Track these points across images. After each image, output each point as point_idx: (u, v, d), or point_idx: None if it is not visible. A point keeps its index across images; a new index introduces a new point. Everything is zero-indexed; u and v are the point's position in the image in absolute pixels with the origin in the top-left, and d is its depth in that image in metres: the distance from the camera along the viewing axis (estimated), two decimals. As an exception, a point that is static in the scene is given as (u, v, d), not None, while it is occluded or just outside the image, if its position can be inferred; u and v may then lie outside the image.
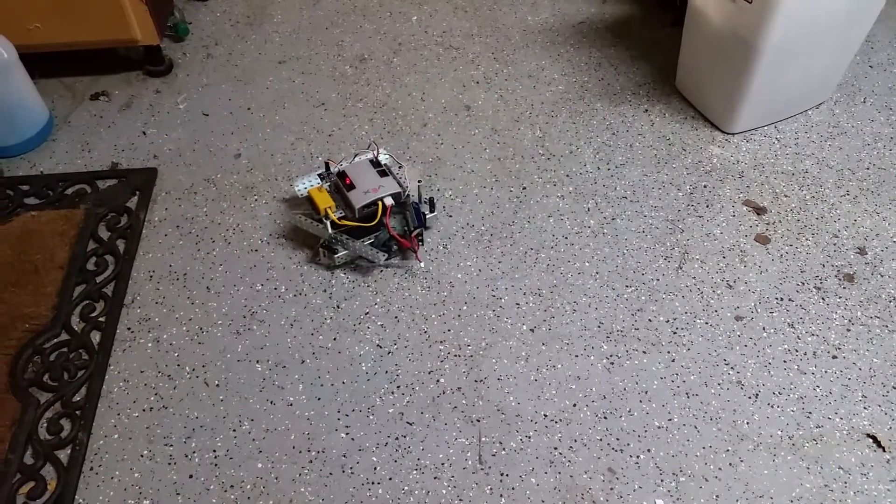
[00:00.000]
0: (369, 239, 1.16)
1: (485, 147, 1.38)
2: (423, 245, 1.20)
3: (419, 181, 1.23)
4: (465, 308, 1.12)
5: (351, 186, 1.17)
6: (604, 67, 1.52)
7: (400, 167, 1.25)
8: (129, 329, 1.12)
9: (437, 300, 1.13)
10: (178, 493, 0.94)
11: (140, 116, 1.47)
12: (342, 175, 1.20)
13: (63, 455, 0.98)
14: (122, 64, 1.58)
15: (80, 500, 0.94)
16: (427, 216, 1.21)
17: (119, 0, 1.38)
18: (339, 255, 1.15)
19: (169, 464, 0.97)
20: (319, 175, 1.24)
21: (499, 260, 1.19)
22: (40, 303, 1.15)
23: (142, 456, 0.98)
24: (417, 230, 1.17)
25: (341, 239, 1.15)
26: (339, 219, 1.15)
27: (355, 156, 1.26)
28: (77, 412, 1.02)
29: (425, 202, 1.22)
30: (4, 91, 1.32)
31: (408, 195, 1.19)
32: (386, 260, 1.15)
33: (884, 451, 0.95)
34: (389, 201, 1.15)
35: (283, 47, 1.61)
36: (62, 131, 1.45)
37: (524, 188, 1.30)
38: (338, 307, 1.14)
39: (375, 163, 1.21)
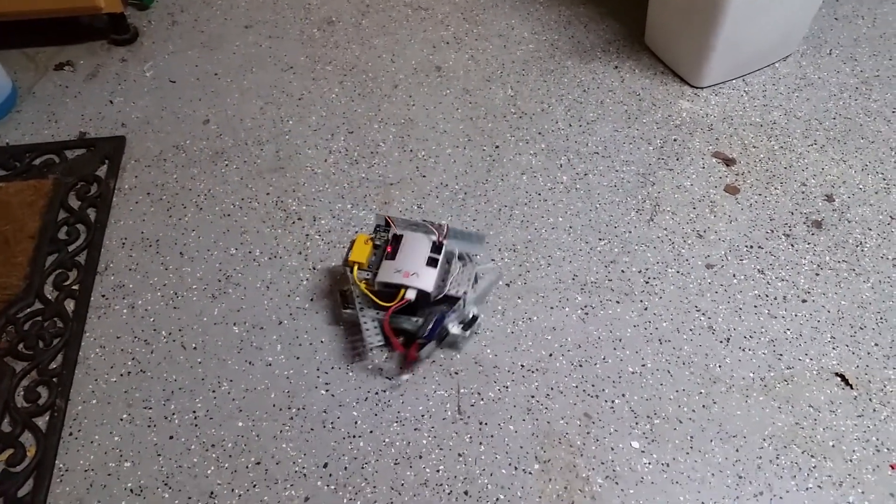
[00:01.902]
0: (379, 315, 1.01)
1: (456, 107, 1.38)
2: (421, 360, 1.02)
3: (473, 286, 1.03)
4: (440, 265, 1.13)
5: (391, 256, 1.01)
6: (574, 25, 1.52)
7: (464, 262, 1.03)
8: (103, 296, 1.11)
9: (412, 258, 1.14)
10: (159, 455, 0.94)
11: (106, 86, 1.45)
12: (395, 240, 1.03)
13: (41, 422, 0.98)
14: (85, 33, 1.55)
15: (61, 465, 0.94)
16: (452, 334, 1.00)
17: (79, -34, 1.36)
18: (346, 311, 1.04)
19: (149, 426, 0.97)
20: (378, 226, 1.06)
21: (473, 218, 1.19)
22: (11, 273, 1.13)
23: (121, 420, 0.98)
24: (423, 340, 0.97)
25: (355, 298, 1.02)
26: (360, 279, 1.00)
27: (436, 224, 1.07)
28: (54, 379, 1.02)
29: (458, 314, 1.00)
30: (-36, 61, 1.30)
31: (439, 297, 0.99)
32: (373, 348, 1.00)
33: (851, 388, 0.98)
34: (411, 295, 0.97)
35: (250, 12, 1.59)
36: (27, 102, 1.42)
37: (497, 147, 1.30)
38: (314, 269, 1.14)
39: (436, 246, 1.02)
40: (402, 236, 1.03)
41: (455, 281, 1.01)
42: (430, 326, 0.96)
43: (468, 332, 1.00)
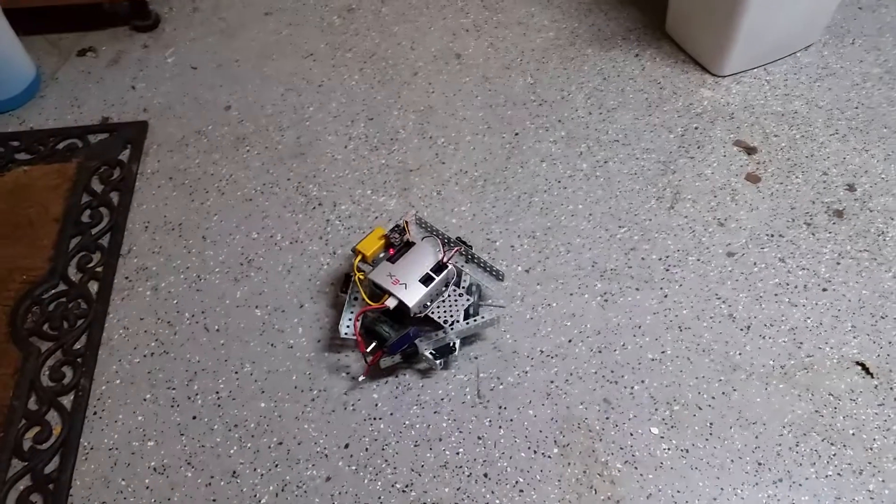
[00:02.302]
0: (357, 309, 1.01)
1: (476, 95, 1.38)
2: (380, 368, 0.98)
3: (467, 319, 0.99)
4: (460, 251, 1.13)
5: (392, 259, 1.01)
6: (594, 13, 1.51)
7: (462, 292, 1.00)
8: (126, 278, 1.12)
9: (432, 244, 1.14)
10: (182, 434, 0.95)
11: (128, 71, 1.46)
12: (400, 246, 1.03)
13: (66, 401, 0.99)
14: (108, 20, 1.56)
15: (86, 443, 0.95)
16: (423, 356, 0.97)
17: (103, -48, 1.37)
18: (341, 294, 1.05)
19: (172, 406, 0.98)
20: (396, 226, 1.05)
21: (493, 205, 1.20)
22: (36, 255, 1.15)
23: (145, 399, 0.99)
24: (385, 350, 0.94)
25: (350, 286, 1.03)
26: (359, 269, 1.01)
27: (456, 241, 1.09)
28: (78, 360, 1.03)
29: (435, 340, 0.96)
30: (-10, 46, 1.31)
31: (417, 316, 0.97)
32: (342, 337, 0.99)
33: (872, 377, 0.98)
34: (391, 303, 0.96)
35: (270, -1, 1.59)
36: (50, 88, 1.43)
37: (516, 134, 1.30)
38: (334, 253, 1.14)
39: (439, 266, 1.00)
40: (413, 244, 1.03)
41: (443, 306, 0.98)
42: (395, 340, 0.93)
43: (439, 362, 0.97)
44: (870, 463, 0.90)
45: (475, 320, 0.99)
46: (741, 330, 1.03)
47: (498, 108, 1.35)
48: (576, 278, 1.10)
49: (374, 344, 0.95)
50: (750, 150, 1.24)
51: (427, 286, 0.97)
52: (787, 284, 1.07)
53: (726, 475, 0.90)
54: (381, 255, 1.04)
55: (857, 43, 1.42)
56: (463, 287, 1.02)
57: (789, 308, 1.05)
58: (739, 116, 1.30)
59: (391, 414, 0.96)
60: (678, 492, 0.88)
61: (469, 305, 0.99)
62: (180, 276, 1.12)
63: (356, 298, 1.02)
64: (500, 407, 0.96)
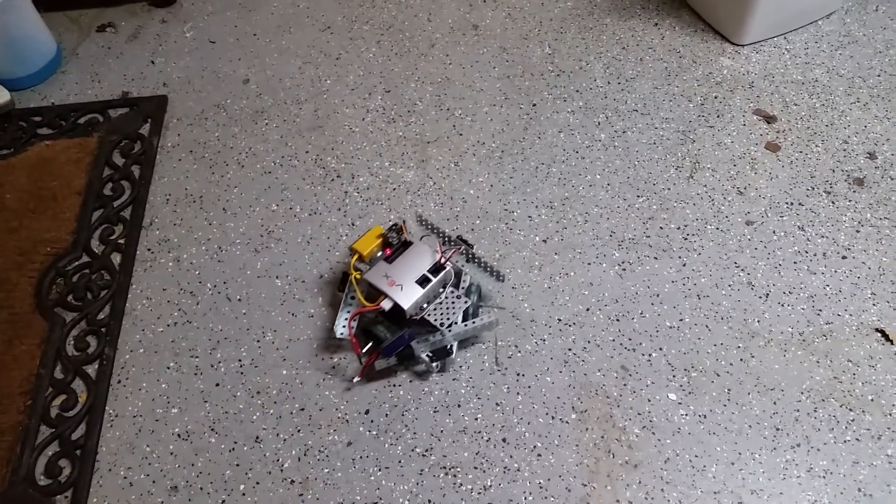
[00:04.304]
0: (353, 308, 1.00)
1: (493, 66, 1.37)
2: (375, 369, 0.98)
3: (465, 321, 0.96)
4: (478, 222, 1.14)
5: (388, 259, 0.98)
6: (611, -17, 1.50)
7: (460, 294, 0.97)
8: (149, 250, 1.14)
9: (450, 215, 1.15)
10: (205, 401, 0.97)
11: (147, 46, 1.47)
12: (398, 245, 1.00)
13: (91, 370, 1.01)
14: (126, -5, 1.57)
15: (111, 411, 0.97)
16: (418, 358, 0.95)
17: (120, -73, 1.37)
18: (339, 292, 1.04)
19: (195, 374, 1.00)
20: (394, 225, 1.02)
21: (510, 175, 1.20)
22: (60, 227, 1.17)
23: (168, 368, 1.01)
24: (381, 352, 0.93)
25: (349, 286, 1.01)
26: (355, 268, 0.98)
27: (456, 240, 1.08)
28: (102, 329, 1.05)
29: (431, 343, 0.94)
30: (12, 23, 1.32)
31: (413, 318, 0.94)
32: (337, 336, 0.97)
33: (892, 343, 0.97)
34: (386, 304, 0.93)
35: (287, -27, 1.59)
36: (71, 63, 1.45)
37: (534, 105, 1.30)
38: (352, 225, 1.15)
39: (436, 267, 0.97)
40: (410, 244, 1.01)
41: (440, 308, 0.96)
42: (390, 342, 0.91)
43: (435, 364, 0.96)
44: (889, 428, 0.90)
45: (473, 322, 0.96)
46: (760, 297, 1.03)
47: (515, 79, 1.34)
48: (593, 248, 1.10)
49: (369, 345, 0.93)
50: (770, 119, 1.23)
51: (424, 288, 0.94)
52: (807, 252, 1.07)
53: (744, 440, 0.90)
54: (378, 254, 1.01)
55: (881, 10, 1.40)
56: (462, 288, 1.00)
57: (808, 276, 1.05)
58: (759, 85, 1.29)
59: (410, 381, 0.97)
60: (696, 456, 0.89)
61: (468, 307, 0.96)
62: (202, 248, 1.13)
63: (353, 298, 1.01)
64: (518, 374, 0.97)
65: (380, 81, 1.36)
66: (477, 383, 0.97)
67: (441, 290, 0.98)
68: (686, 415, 0.93)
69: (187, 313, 1.06)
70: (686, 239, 1.10)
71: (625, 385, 0.96)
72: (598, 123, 1.25)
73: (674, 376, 0.96)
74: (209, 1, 1.55)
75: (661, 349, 0.99)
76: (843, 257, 1.06)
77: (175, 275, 1.10)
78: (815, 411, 0.92)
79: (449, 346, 0.95)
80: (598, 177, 1.18)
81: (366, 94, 1.34)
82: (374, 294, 0.95)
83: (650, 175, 1.18)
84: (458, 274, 1.02)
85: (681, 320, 1.01)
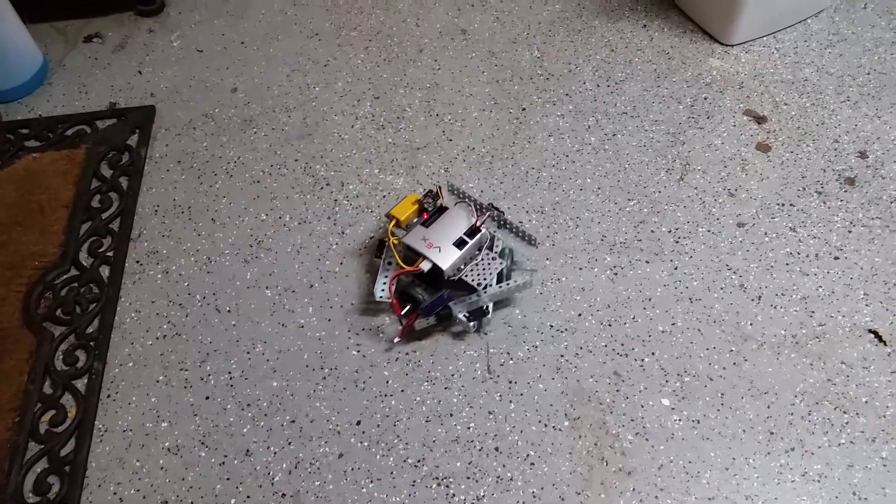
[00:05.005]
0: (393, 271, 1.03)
1: (482, 70, 1.37)
2: (415, 330, 1.00)
3: (500, 283, 1.00)
4: (468, 228, 1.13)
5: (426, 224, 1.03)
6: (600, -15, 1.50)
7: (496, 256, 1.02)
8: (137, 262, 1.13)
9: (440, 221, 1.14)
10: (195, 414, 0.96)
11: (135, 56, 1.46)
12: (434, 211, 1.05)
13: (80, 384, 1.00)
14: (113, 5, 1.56)
15: (101, 426, 0.97)
16: (456, 319, 0.99)
17: (105, -64, 1.36)
18: (375, 259, 1.06)
19: (185, 387, 0.99)
20: (429, 191, 1.08)
21: (500, 181, 1.19)
22: (48, 241, 1.16)
23: (157, 381, 1.00)
24: (420, 313, 0.97)
25: (387, 251, 1.05)
26: (392, 234, 1.03)
27: (488, 206, 1.09)
28: (91, 343, 1.04)
29: (468, 303, 0.98)
30: (-3, 33, 1.32)
31: (451, 279, 0.99)
32: (378, 299, 1.00)
33: (885, 344, 0.97)
34: (425, 266, 0.98)
35: (274, -20, 1.59)
36: (57, 75, 1.44)
37: (524, 109, 1.29)
38: (343, 233, 1.14)
39: (473, 230, 1.02)
40: (446, 209, 1.05)
41: (476, 269, 1.00)
42: (429, 302, 0.95)
43: (472, 323, 0.98)
44: (883, 430, 0.90)
45: (507, 284, 1.00)
46: (752, 300, 1.02)
47: (505, 83, 1.34)
48: (585, 252, 1.09)
49: (408, 307, 0.97)
50: (760, 120, 1.23)
51: (461, 250, 0.99)
52: (799, 254, 1.07)
53: (738, 445, 0.90)
54: (415, 220, 1.06)
55: (870, 7, 1.40)
56: (496, 251, 1.04)
57: (801, 277, 1.04)
58: (749, 85, 1.28)
59: (402, 391, 0.96)
60: (690, 462, 0.88)
61: (502, 269, 1.01)
62: (190, 259, 1.12)
63: (390, 263, 1.04)
64: (511, 382, 0.97)
65: (368, 88, 1.36)
66: (469, 392, 0.96)
67: (477, 252, 1.02)
68: (679, 420, 0.92)
69: (176, 326, 1.05)
70: (677, 242, 1.09)
71: (618, 391, 0.95)
72: (588, 127, 1.25)
73: (667, 381, 0.95)
74: (196, 10, 1.54)
75: (653, 354, 0.98)
76: (836, 258, 1.06)
77: (164, 287, 1.10)
78: (810, 414, 0.92)
79: (485, 307, 0.99)
80: (589, 181, 1.18)
81: (354, 101, 1.34)
82: (412, 258, 1.00)
83: (640, 178, 1.17)
84: (492, 238, 1.06)
85: (673, 324, 1.01)
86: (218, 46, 1.46)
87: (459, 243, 1.00)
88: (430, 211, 1.06)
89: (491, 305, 1.00)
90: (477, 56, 1.39)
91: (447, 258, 0.98)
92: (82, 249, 1.15)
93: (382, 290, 1.01)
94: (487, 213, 1.07)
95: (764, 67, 1.31)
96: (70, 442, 0.95)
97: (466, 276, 0.99)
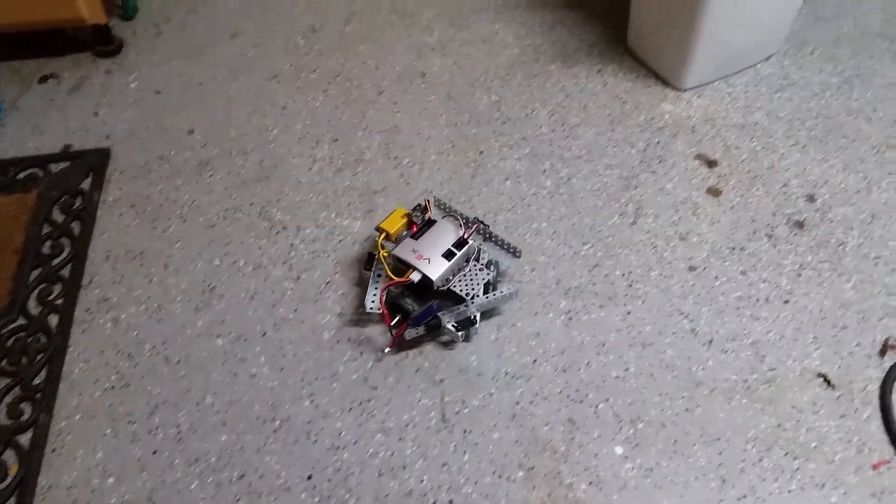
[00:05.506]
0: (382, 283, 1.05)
1: (441, 113, 1.38)
2: (405, 340, 1.02)
3: (486, 293, 1.04)
4: (424, 273, 1.13)
5: (415, 236, 1.06)
6: (557, 30, 1.52)
7: (482, 266, 1.06)
8: (87, 310, 1.11)
9: (396, 266, 1.14)
10: (142, 470, 0.94)
11: (91, 97, 1.45)
12: (427, 223, 1.09)
13: (24, 439, 0.98)
14: (70, 45, 1.55)
15: (44, 482, 0.94)
16: (445, 328, 1.00)
17: (61, -22, 1.35)
18: (365, 272, 1.09)
19: (132, 441, 0.97)
20: (418, 205, 1.14)
21: (457, 224, 1.19)
22: (-4, 288, 1.13)
23: (105, 434, 0.98)
24: (410, 323, 0.99)
25: (376, 263, 1.07)
26: (382, 246, 1.07)
27: (474, 220, 1.14)
28: (37, 395, 1.02)
29: (457, 313, 1.00)
30: (-53, 76, 1.30)
31: (440, 289, 1.03)
32: (368, 311, 1.03)
33: (833, 388, 0.98)
34: (415, 277, 1.01)
35: (234, 21, 1.59)
36: (11, 116, 1.42)
37: (481, 152, 1.30)
38: (298, 278, 1.14)
39: (460, 241, 1.06)
40: (434, 222, 1.09)
41: (464, 280, 1.04)
42: (419, 313, 0.98)
43: (461, 333, 1.01)
44: (832, 476, 0.91)
45: (494, 294, 1.03)
46: (703, 345, 1.03)
47: (463, 127, 1.35)
48: (540, 297, 1.10)
49: (398, 317, 1.01)
50: (711, 164, 1.25)
51: (449, 261, 1.03)
52: (749, 297, 1.08)
53: (691, 493, 0.90)
54: (404, 232, 1.10)
55: (816, 52, 1.44)
56: (482, 262, 1.08)
57: (751, 321, 1.05)
58: (700, 130, 1.31)
59: (355, 442, 0.95)
60: (642, 512, 0.88)
61: (488, 280, 1.05)
62: (141, 307, 1.11)
63: (380, 275, 1.07)
64: (465, 431, 0.96)
65: (327, 130, 1.36)
66: (423, 442, 0.95)
67: (464, 263, 1.06)
68: (633, 468, 0.92)
69: (125, 376, 1.03)
70: (630, 286, 1.10)
71: (572, 439, 0.95)
72: (544, 171, 1.26)
73: (620, 428, 0.96)
74: (155, 50, 1.54)
75: (607, 400, 0.98)
76: (786, 301, 1.07)
77: (114, 336, 1.08)
78: (761, 461, 0.92)
79: (473, 317, 1.01)
80: (545, 224, 1.19)
81: (313, 143, 1.34)
82: (401, 269, 1.04)
83: (595, 222, 1.18)
84: (478, 249, 1.10)
85: (626, 370, 1.01)
86: (176, 88, 1.46)
87: (448, 255, 1.04)
88: (419, 224, 1.10)
89: (478, 315, 1.03)
90: (436, 99, 1.40)
91: (437, 269, 1.02)
92: (31, 297, 1.13)
93: (373, 301, 1.03)
94: (474, 226, 1.11)
95: (715, 111, 1.34)
96: (10, 501, 0.92)
97: (455, 286, 1.03)
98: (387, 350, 1.03)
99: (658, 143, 1.29)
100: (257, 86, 1.45)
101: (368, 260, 1.09)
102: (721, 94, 1.37)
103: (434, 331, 1.02)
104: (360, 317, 1.08)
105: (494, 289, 1.06)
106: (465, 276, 1.05)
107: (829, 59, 1.42)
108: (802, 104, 1.35)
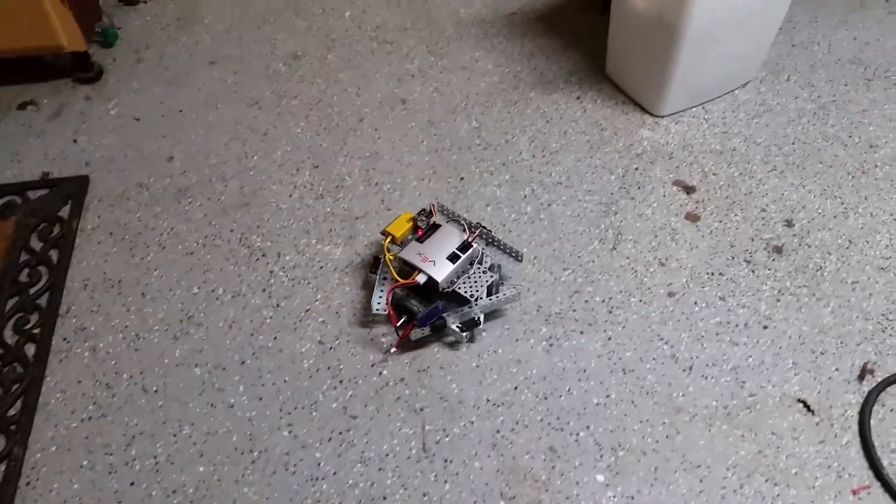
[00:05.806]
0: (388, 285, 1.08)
1: (422, 139, 1.38)
2: (411, 340, 1.05)
3: (490, 295, 1.07)
4: (405, 300, 1.12)
5: (420, 239, 1.09)
6: (536, 57, 1.53)
7: (485, 269, 1.08)
8: (64, 339, 1.10)
9: (377, 293, 1.13)
10: (119, 502, 0.93)
11: (70, 124, 1.45)
12: (432, 227, 1.12)
13: (-2, 472, 0.96)
14: (50, 72, 1.55)
15: (18, 517, 0.92)
16: (450, 329, 1.04)
17: (42, 5, 1.35)
18: (371, 275, 1.12)
19: (109, 472, 0.95)
20: (423, 210, 1.15)
21: (438, 250, 1.19)
22: (-30, 318, 1.12)
23: (81, 466, 0.96)
24: (416, 323, 1.02)
25: (382, 266, 1.10)
26: (388, 250, 1.08)
27: (476, 224, 1.16)
28: (12, 427, 1.00)
29: (461, 314, 1.04)
30: (-77, 104, 1.29)
31: (445, 291, 1.05)
32: (375, 312, 1.06)
33: (813, 414, 0.99)
34: (420, 279, 1.04)
35: (215, 47, 1.59)
36: (-11, 143, 1.41)
37: (462, 178, 1.31)
38: (277, 306, 1.13)
39: (465, 245, 1.08)
40: (439, 226, 1.12)
41: (468, 282, 1.06)
42: (425, 313, 1.01)
43: (465, 334, 1.03)
44: (812, 502, 0.91)
45: (497, 296, 1.06)
46: (684, 371, 1.03)
47: (443, 153, 1.36)
48: (521, 323, 1.10)
49: (404, 318, 1.03)
50: (689, 190, 1.26)
51: (454, 263, 1.05)
52: (729, 323, 1.08)
53: (672, 521, 0.89)
54: (410, 236, 1.12)
55: (793, 79, 1.46)
56: (486, 265, 1.10)
57: (731, 347, 1.06)
58: (679, 156, 1.32)
59: (334, 473, 0.94)
60: (624, 541, 0.88)
61: (492, 282, 1.07)
62: (119, 336, 1.09)
63: (385, 278, 1.10)
64: (446, 460, 0.95)
65: (308, 157, 1.36)
66: (403, 472, 0.94)
67: (468, 266, 1.08)
68: (614, 496, 0.92)
69: (102, 406, 1.02)
70: (611, 312, 1.10)
71: (553, 467, 0.94)
72: (525, 196, 1.27)
73: (601, 456, 0.95)
74: (135, 77, 1.53)
75: (588, 428, 0.98)
76: (765, 327, 1.08)
77: (91, 365, 1.06)
78: (741, 488, 0.92)
79: (477, 318, 1.05)
80: (525, 250, 1.19)
81: (293, 170, 1.34)
82: (407, 272, 1.06)
83: (575, 248, 1.19)
84: (481, 253, 1.12)
85: (607, 396, 1.01)
86: (156, 114, 1.45)
87: (453, 257, 1.06)
88: (424, 228, 1.12)
89: (482, 316, 1.05)
90: (416, 125, 1.41)
91: (442, 271, 1.04)
92: (7, 326, 1.12)
93: (379, 302, 1.06)
94: (477, 231, 1.13)
95: (693, 138, 1.35)
96: (-18, 536, 0.90)
97: (459, 288, 1.05)
98: (393, 350, 1.06)
99: (637, 169, 1.30)
100: (237, 113, 1.45)
101: (374, 263, 1.12)
102: (699, 121, 1.38)
103: (439, 331, 1.05)
104: (365, 319, 1.11)
105: (498, 291, 1.08)
106: (469, 278, 1.07)
107: (805, 85, 1.44)
108: (779, 130, 1.36)
